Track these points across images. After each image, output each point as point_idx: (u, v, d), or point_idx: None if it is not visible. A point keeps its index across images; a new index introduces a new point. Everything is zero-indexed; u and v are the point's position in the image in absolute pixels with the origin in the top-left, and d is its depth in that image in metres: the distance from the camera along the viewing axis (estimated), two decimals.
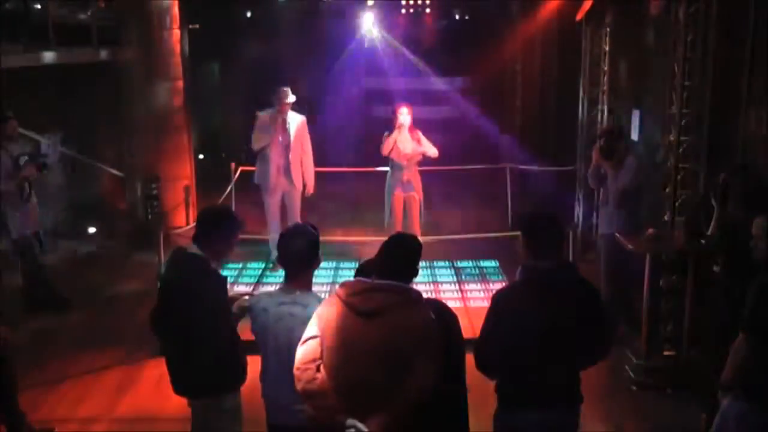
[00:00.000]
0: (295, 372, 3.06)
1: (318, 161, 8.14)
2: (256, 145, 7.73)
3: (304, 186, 7.91)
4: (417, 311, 2.99)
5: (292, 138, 7.67)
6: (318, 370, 3.00)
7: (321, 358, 3.01)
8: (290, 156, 7.69)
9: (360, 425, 2.91)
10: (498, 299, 3.39)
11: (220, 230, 3.77)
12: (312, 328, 3.08)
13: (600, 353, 3.47)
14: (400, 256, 3.15)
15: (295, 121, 7.73)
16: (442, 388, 3.01)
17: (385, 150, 7.55)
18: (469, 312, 6.71)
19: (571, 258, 6.83)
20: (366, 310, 2.95)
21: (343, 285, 3.11)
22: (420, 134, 7.60)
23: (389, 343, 2.91)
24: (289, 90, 7.62)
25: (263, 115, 7.67)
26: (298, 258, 3.42)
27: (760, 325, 3.43)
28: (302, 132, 7.78)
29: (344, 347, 2.96)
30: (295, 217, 7.87)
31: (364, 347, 2.92)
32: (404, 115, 7.46)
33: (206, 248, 3.71)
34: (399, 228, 7.57)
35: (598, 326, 3.37)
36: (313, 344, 3.04)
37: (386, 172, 7.88)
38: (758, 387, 3.47)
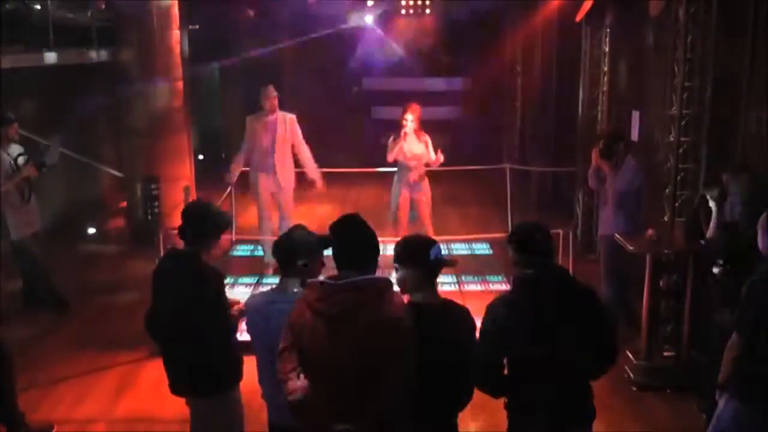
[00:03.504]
0: (280, 383, 3.01)
1: (318, 162, 8.10)
2: (245, 150, 7.72)
3: (313, 183, 7.82)
4: (383, 307, 2.90)
5: (277, 137, 7.56)
6: (299, 377, 2.94)
7: (300, 366, 2.96)
8: (275, 156, 7.57)
9: (350, 429, 2.87)
10: (489, 311, 3.26)
11: (206, 225, 3.77)
12: (287, 337, 3.01)
13: (607, 356, 3.35)
14: (350, 243, 3.04)
15: (284, 120, 7.62)
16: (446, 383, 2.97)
17: (390, 157, 7.51)
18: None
19: (570, 259, 6.84)
20: (332, 316, 2.87)
21: (308, 288, 3.02)
22: (427, 137, 7.50)
23: (361, 343, 2.85)
24: (271, 87, 7.59)
25: (251, 119, 7.65)
26: (291, 256, 3.41)
27: (749, 324, 3.43)
28: (292, 130, 7.66)
29: (320, 353, 2.90)
30: (287, 218, 7.73)
31: (338, 351, 2.86)
32: (410, 122, 7.37)
33: (194, 244, 3.72)
34: (403, 228, 7.54)
35: (598, 326, 3.27)
36: (289, 354, 2.98)
37: (386, 172, 7.86)
38: (751, 386, 3.47)
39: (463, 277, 7.82)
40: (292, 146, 7.73)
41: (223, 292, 3.80)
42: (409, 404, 2.91)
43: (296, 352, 2.97)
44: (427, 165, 7.63)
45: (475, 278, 7.88)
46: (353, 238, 3.06)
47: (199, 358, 3.66)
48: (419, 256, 3.19)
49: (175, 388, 3.84)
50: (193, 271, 3.68)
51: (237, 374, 3.81)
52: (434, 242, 3.27)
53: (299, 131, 7.74)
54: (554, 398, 3.21)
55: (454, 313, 3.24)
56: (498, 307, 3.26)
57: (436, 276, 3.28)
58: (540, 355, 3.16)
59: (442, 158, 7.48)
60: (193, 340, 3.63)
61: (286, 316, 3.25)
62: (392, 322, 2.89)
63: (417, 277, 3.18)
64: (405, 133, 7.36)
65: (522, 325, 3.17)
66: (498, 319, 3.21)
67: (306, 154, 7.79)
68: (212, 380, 3.73)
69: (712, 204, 5.01)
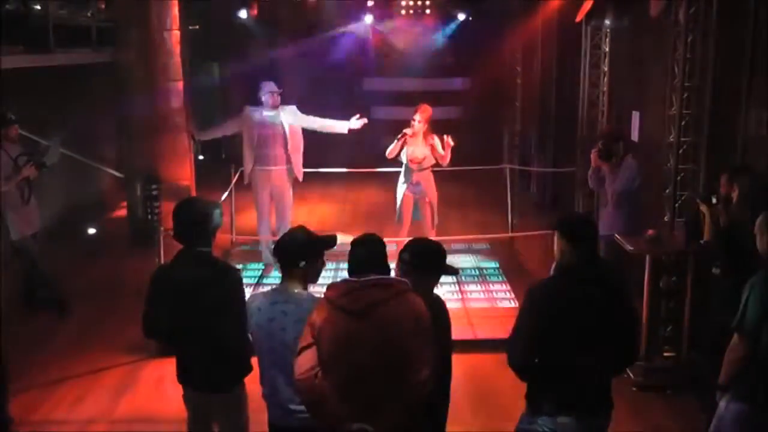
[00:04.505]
0: (296, 383, 3.04)
1: (318, 162, 8.08)
2: (227, 128, 7.83)
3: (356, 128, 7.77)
4: (405, 303, 2.97)
5: (287, 131, 7.48)
6: (317, 377, 2.96)
7: (319, 365, 2.98)
8: (275, 151, 7.49)
9: (367, 428, 2.90)
10: (531, 293, 3.37)
11: (207, 222, 3.76)
12: (306, 336, 3.04)
13: (629, 355, 3.47)
14: (364, 257, 3.12)
15: (287, 113, 7.53)
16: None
17: (390, 154, 7.43)
18: (469, 313, 6.72)
19: None
20: (356, 310, 2.93)
21: (330, 288, 3.07)
22: (434, 140, 7.36)
23: (383, 340, 2.90)
24: (273, 83, 7.54)
25: (250, 109, 7.57)
26: (292, 257, 3.42)
27: (750, 325, 3.44)
28: (297, 120, 7.58)
29: (341, 350, 2.93)
30: (284, 216, 7.64)
31: (360, 348, 2.90)
32: (417, 123, 7.28)
33: (202, 243, 3.72)
34: (406, 229, 7.51)
35: (627, 324, 3.36)
36: (310, 353, 3.00)
37: (386, 172, 7.83)
38: (753, 387, 3.47)
39: (463, 277, 7.82)
40: (312, 130, 7.68)
41: (243, 289, 3.82)
42: (427, 404, 2.94)
43: (316, 352, 2.99)
44: (437, 165, 7.59)
45: (475, 278, 7.89)
46: (360, 252, 3.15)
47: (223, 354, 3.66)
48: (432, 263, 3.34)
49: (191, 383, 3.81)
50: (219, 271, 3.70)
51: (248, 368, 3.82)
52: (444, 250, 3.41)
53: (304, 116, 7.64)
54: (576, 390, 3.27)
55: (440, 312, 3.33)
56: (538, 292, 3.35)
57: (438, 280, 3.43)
58: (571, 345, 3.23)
59: (451, 142, 7.25)
60: (219, 338, 3.62)
61: (287, 316, 3.28)
62: (416, 320, 2.96)
63: (424, 281, 3.29)
64: (405, 134, 7.32)
65: (557, 311, 3.24)
66: (537, 303, 3.30)
67: (322, 121, 7.71)
68: (233, 375, 3.75)
69: (703, 208, 5.01)
